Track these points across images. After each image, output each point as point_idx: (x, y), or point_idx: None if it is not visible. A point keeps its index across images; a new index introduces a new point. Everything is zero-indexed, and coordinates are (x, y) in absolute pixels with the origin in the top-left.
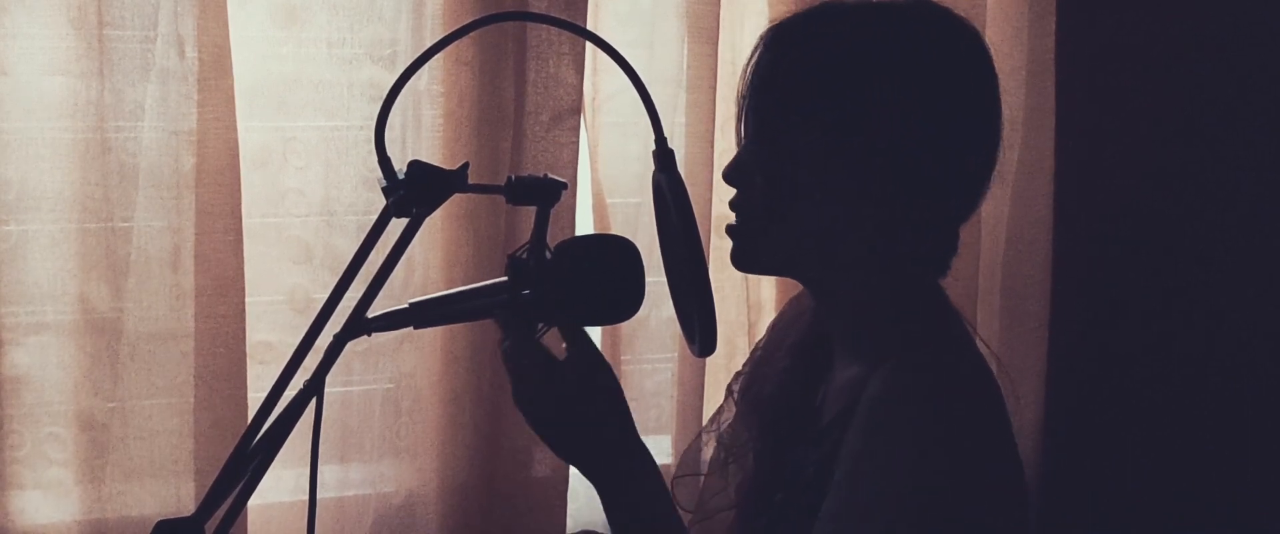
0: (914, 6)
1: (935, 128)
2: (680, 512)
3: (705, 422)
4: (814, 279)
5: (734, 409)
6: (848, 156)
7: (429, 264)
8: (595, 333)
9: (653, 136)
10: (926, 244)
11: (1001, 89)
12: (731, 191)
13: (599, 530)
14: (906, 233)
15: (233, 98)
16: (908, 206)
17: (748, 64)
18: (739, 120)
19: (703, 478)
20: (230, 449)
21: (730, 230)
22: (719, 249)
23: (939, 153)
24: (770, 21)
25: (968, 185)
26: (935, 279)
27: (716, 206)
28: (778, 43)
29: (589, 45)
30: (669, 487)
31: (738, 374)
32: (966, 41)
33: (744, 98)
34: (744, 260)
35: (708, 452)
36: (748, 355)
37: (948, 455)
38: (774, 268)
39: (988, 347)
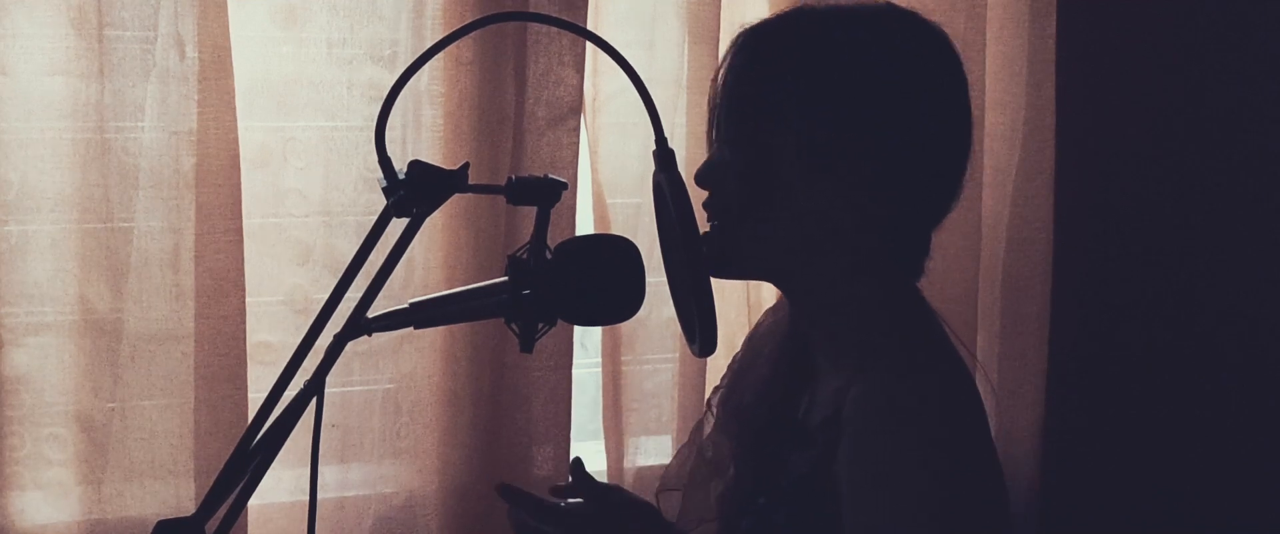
0: (883, 10)
1: (905, 128)
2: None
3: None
4: (790, 283)
5: (713, 420)
6: (819, 158)
7: (429, 264)
8: (595, 333)
9: (653, 137)
10: (898, 246)
11: (1001, 89)
12: None
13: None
14: (879, 234)
15: (233, 98)
16: (880, 207)
17: (720, 67)
18: (711, 123)
19: (684, 491)
20: (230, 449)
21: (705, 236)
22: None
23: (909, 153)
24: None
25: (939, 185)
26: (910, 281)
27: None
28: (749, 46)
29: (589, 45)
30: (654, 501)
31: (716, 388)
32: (933, 43)
33: (716, 101)
34: (718, 266)
35: (689, 466)
36: (727, 370)
37: (937, 458)
38: (748, 272)
39: (965, 346)
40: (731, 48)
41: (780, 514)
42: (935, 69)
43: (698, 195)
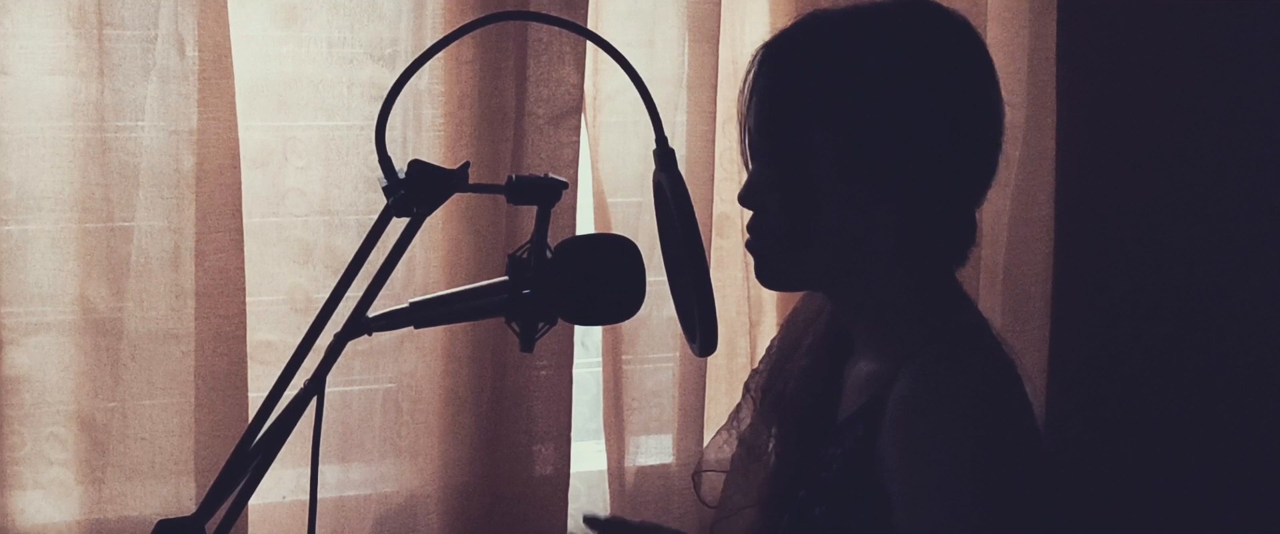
0: (900, 5)
1: (942, 119)
2: (702, 506)
3: (725, 419)
4: (837, 288)
5: (752, 407)
6: (860, 162)
7: (429, 264)
8: (595, 332)
9: (653, 136)
10: (946, 235)
11: (1001, 88)
12: (732, 190)
13: (597, 512)
14: (925, 228)
15: (233, 98)
16: (924, 202)
17: (745, 83)
18: (743, 140)
19: (724, 476)
20: (230, 449)
21: (751, 249)
22: (719, 249)
23: (948, 143)
24: (771, 21)
25: (978, 169)
26: (952, 271)
27: (717, 206)
28: (774, 59)
29: (589, 45)
30: (692, 481)
31: (755, 372)
32: (958, 31)
33: (746, 117)
34: (772, 280)
35: (728, 450)
36: (764, 353)
37: (992, 442)
38: (803, 285)
39: (1001, 338)
40: (753, 61)
41: (820, 507)
42: (965, 58)
43: (699, 201)
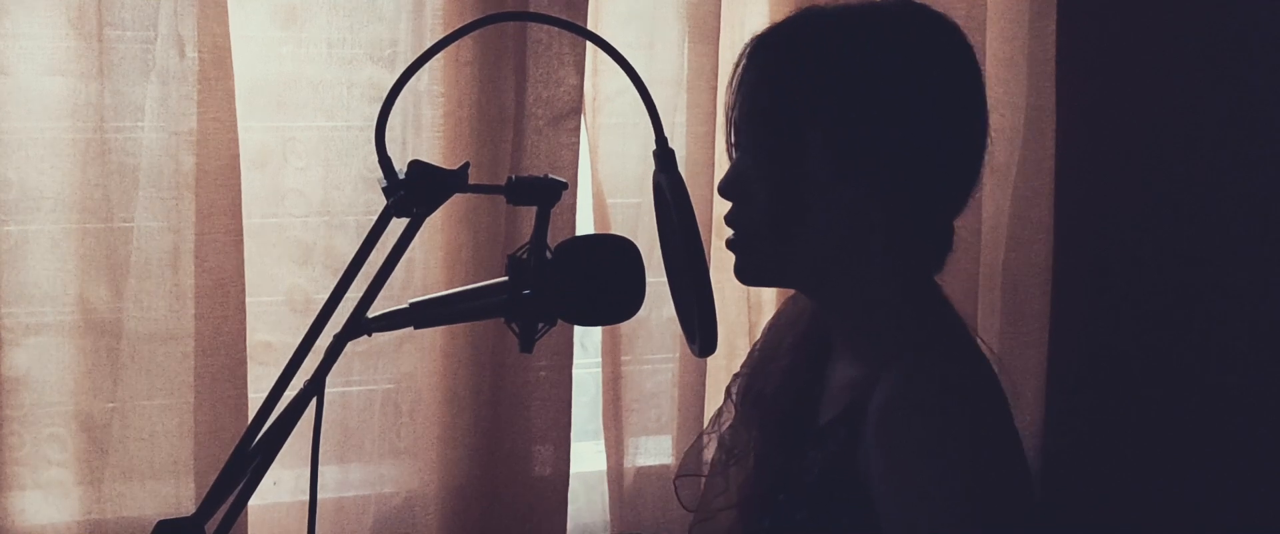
0: (895, 6)
1: (932, 122)
2: (683, 510)
3: (706, 423)
4: (818, 288)
5: (733, 410)
6: (852, 163)
7: (429, 264)
8: (595, 333)
9: (653, 137)
10: (925, 241)
11: (1001, 89)
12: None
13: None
14: (906, 232)
15: (233, 98)
16: (907, 205)
17: (733, 76)
18: (728, 132)
19: (704, 479)
20: (230, 450)
21: (731, 244)
22: (719, 249)
23: (937, 146)
24: (770, 23)
25: (961, 177)
26: (932, 276)
27: (717, 207)
28: (763, 53)
29: (589, 45)
30: (673, 486)
31: (736, 375)
32: (948, 34)
33: (733, 110)
34: (751, 275)
35: (709, 453)
36: (746, 357)
37: (971, 451)
38: (782, 281)
39: (983, 340)
40: (742, 56)
41: (801, 512)
42: (956, 61)
43: (699, 201)
